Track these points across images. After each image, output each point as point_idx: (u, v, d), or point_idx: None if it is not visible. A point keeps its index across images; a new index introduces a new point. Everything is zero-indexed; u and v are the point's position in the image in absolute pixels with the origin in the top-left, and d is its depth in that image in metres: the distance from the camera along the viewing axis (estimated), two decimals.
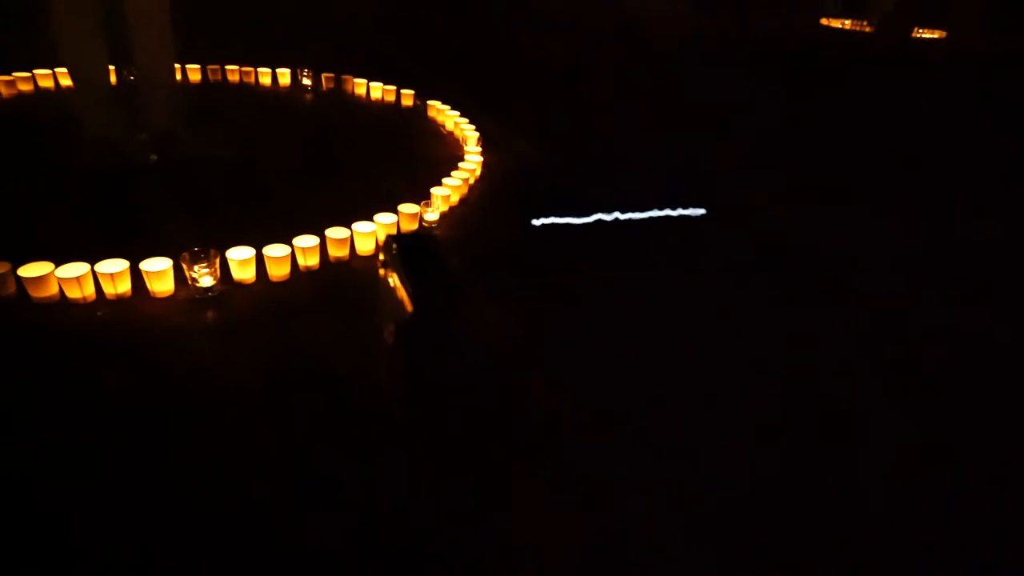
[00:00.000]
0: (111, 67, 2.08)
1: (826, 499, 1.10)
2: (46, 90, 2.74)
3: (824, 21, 8.98)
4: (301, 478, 1.02)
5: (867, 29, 8.45)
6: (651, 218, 1.79)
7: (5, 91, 2.61)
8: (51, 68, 2.75)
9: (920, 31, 8.27)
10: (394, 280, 1.15)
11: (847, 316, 1.70)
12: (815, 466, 1.17)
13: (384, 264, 1.20)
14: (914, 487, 1.15)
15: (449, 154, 2.46)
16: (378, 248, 1.71)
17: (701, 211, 2.05)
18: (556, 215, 1.53)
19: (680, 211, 1.81)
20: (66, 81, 2.71)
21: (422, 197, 1.89)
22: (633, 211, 1.76)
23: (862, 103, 4.40)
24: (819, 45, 7.12)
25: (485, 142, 2.46)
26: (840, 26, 8.73)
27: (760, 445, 1.20)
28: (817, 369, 1.46)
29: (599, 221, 1.65)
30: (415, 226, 1.82)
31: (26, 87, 2.69)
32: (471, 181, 2.12)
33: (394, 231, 1.75)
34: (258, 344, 1.34)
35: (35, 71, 2.72)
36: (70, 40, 1.91)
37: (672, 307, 1.62)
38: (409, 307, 1.10)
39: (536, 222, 1.52)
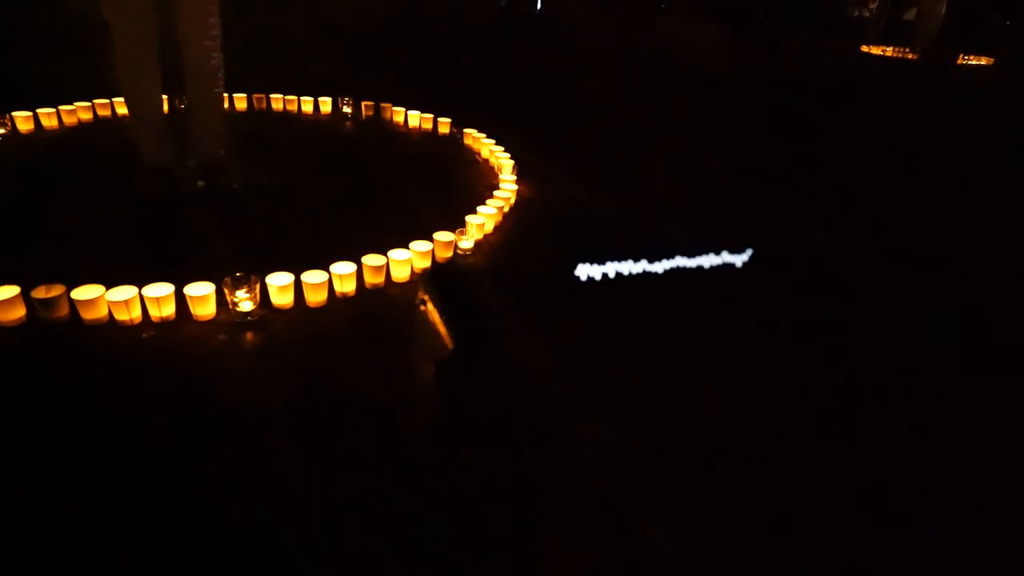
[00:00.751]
0: (164, 96, 2.18)
1: (872, 541, 1.05)
2: (104, 118, 2.88)
3: (865, 48, 8.88)
4: (328, 500, 1.03)
5: (909, 56, 8.32)
6: (695, 263, 1.73)
7: (67, 120, 2.75)
8: (109, 97, 2.89)
9: (967, 58, 8.09)
10: (433, 317, 1.16)
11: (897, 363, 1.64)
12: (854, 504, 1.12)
13: (422, 300, 1.21)
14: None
15: (484, 182, 2.49)
16: (413, 276, 1.74)
17: (743, 256, 1.96)
18: (598, 260, 1.50)
19: (722, 256, 1.75)
20: (123, 110, 2.85)
21: (457, 225, 1.91)
22: (672, 255, 1.71)
23: (908, 134, 4.30)
24: (860, 73, 7.01)
25: (520, 171, 2.47)
26: (881, 53, 8.62)
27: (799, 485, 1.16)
28: (860, 411, 1.41)
29: (645, 271, 1.61)
30: (449, 254, 1.84)
31: (86, 116, 2.83)
32: (506, 209, 2.14)
33: (429, 259, 1.76)
34: (294, 368, 1.37)
35: (95, 100, 2.87)
36: (128, 70, 2.01)
37: (709, 349, 1.59)
38: (449, 344, 1.11)
39: (582, 271, 1.49)
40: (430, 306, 1.18)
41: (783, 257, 2.12)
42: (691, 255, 1.61)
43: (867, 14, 11.98)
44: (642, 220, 2.41)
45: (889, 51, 8.64)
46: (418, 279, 1.24)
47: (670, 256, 1.59)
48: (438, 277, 1.21)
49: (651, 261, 1.56)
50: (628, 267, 1.51)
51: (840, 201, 2.84)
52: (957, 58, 7.89)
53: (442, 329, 1.13)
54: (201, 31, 2.05)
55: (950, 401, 1.48)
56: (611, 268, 1.47)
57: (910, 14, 11.32)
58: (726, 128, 4.02)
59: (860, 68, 7.43)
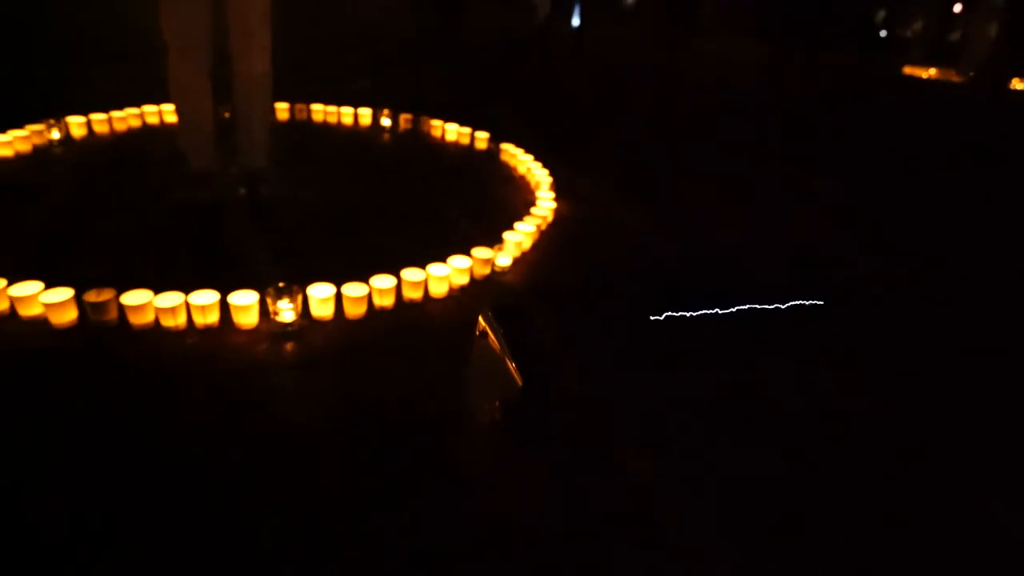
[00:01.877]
0: (213, 106, 2.23)
1: None
2: (152, 125, 2.96)
3: (908, 70, 8.69)
4: (363, 513, 1.03)
5: (955, 79, 8.11)
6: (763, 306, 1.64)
7: (117, 126, 2.84)
8: (158, 104, 2.98)
9: (1019, 82, 7.83)
10: (496, 355, 1.13)
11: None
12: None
13: (482, 336, 1.19)
14: None
15: (521, 198, 2.49)
16: (453, 292, 1.74)
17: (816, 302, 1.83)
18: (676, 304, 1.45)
19: (792, 301, 1.66)
20: (170, 117, 2.93)
21: (494, 240, 1.91)
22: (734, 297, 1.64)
23: (966, 164, 4.18)
24: (908, 95, 6.87)
25: (558, 188, 2.47)
26: (925, 75, 8.42)
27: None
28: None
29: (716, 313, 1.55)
30: (487, 271, 1.84)
31: (135, 122, 2.92)
32: (543, 227, 2.13)
33: (467, 276, 1.77)
34: (334, 380, 1.38)
35: (144, 107, 2.96)
36: (180, 82, 2.07)
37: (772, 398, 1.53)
38: (519, 382, 1.09)
39: (658, 316, 1.44)
40: (492, 342, 1.15)
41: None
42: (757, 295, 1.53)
43: (910, 34, 11.77)
44: (693, 247, 2.36)
45: (934, 72, 8.44)
46: (481, 315, 1.21)
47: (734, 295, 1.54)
48: (503, 315, 1.19)
49: (715, 300, 1.51)
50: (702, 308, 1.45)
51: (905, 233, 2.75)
52: (1010, 81, 7.64)
53: (507, 366, 1.11)
54: (251, 45, 2.10)
55: None
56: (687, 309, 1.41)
57: (956, 34, 11.08)
58: (770, 154, 3.97)
59: (908, 90, 7.27)
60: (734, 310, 1.57)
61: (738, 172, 3.40)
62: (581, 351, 1.55)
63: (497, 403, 1.18)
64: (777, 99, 5.59)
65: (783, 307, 1.65)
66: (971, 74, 7.98)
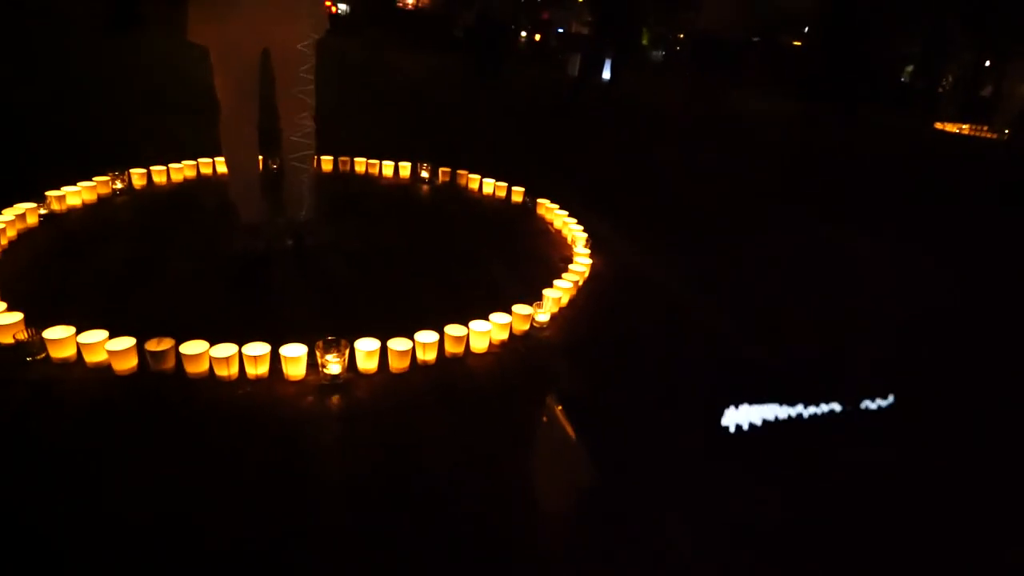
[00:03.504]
0: (260, 158, 2.35)
1: None
2: (205, 176, 3.12)
3: (939, 125, 8.70)
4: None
5: (988, 135, 8.09)
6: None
7: (175, 177, 3.00)
8: (211, 157, 3.14)
9: None
10: (566, 442, 1.15)
11: None
12: None
13: (550, 419, 1.21)
14: None
15: (558, 253, 2.55)
16: (493, 349, 1.78)
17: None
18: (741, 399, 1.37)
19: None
20: (222, 168, 3.09)
21: (531, 294, 1.96)
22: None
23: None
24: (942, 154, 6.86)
25: (593, 243, 2.52)
26: (957, 131, 8.42)
27: None
28: None
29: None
30: (527, 327, 1.87)
31: (191, 173, 3.08)
32: (580, 283, 2.17)
33: (507, 332, 1.81)
34: (379, 435, 1.42)
35: (199, 159, 3.13)
36: (231, 138, 2.19)
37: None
38: (591, 473, 1.10)
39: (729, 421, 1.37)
40: (562, 430, 1.17)
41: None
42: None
43: (941, 89, 11.79)
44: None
45: (966, 129, 8.43)
46: (549, 398, 1.23)
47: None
48: (571, 404, 1.20)
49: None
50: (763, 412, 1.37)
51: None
52: None
53: (578, 456, 1.12)
54: (297, 103, 2.22)
55: None
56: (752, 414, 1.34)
57: (987, 90, 11.06)
58: (810, 210, 3.99)
59: (945, 147, 7.25)
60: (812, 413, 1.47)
61: (778, 228, 3.42)
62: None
63: (569, 486, 1.18)
64: (814, 154, 5.63)
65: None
66: (1007, 131, 7.95)
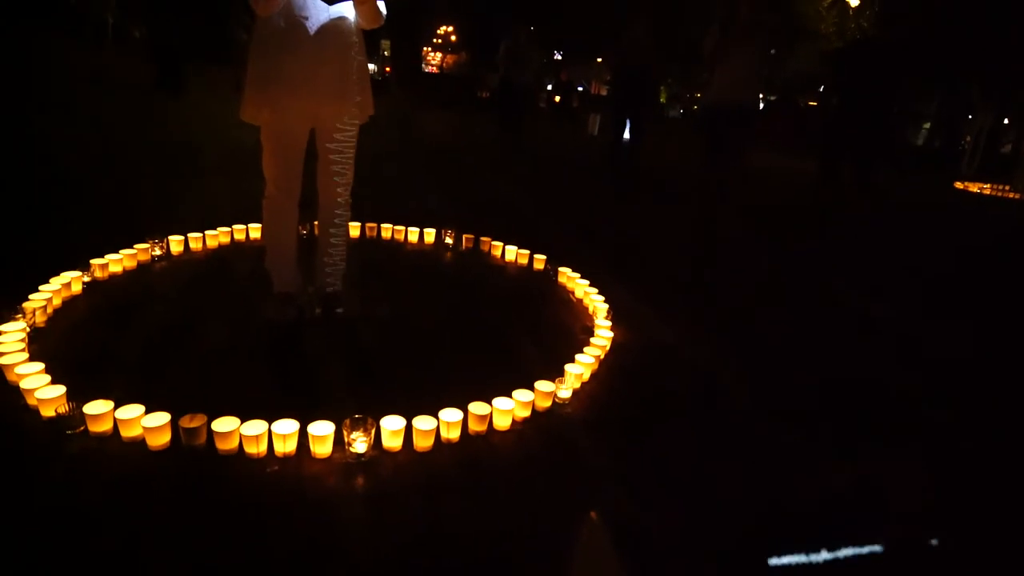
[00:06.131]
0: (299, 233, 2.45)
1: None
2: (239, 242, 3.25)
3: (959, 184, 8.69)
4: None
5: (1010, 195, 8.05)
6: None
7: (210, 243, 3.13)
8: (245, 223, 3.28)
9: None
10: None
11: None
12: None
13: (590, 544, 1.22)
14: None
15: (579, 324, 2.58)
16: (516, 426, 1.79)
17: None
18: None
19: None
20: (255, 234, 3.21)
21: (553, 367, 1.99)
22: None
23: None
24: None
25: (615, 314, 2.55)
26: (977, 190, 8.40)
27: None
28: None
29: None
30: (548, 403, 1.89)
31: (225, 239, 3.21)
32: (601, 357, 2.20)
33: (529, 409, 1.83)
34: (401, 514, 1.44)
35: (233, 226, 3.26)
36: (272, 212, 2.29)
37: None
38: None
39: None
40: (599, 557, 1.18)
41: None
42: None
43: (961, 148, 11.85)
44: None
45: (987, 189, 8.41)
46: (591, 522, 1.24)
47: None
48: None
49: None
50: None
51: None
52: None
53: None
54: (337, 180, 2.33)
55: None
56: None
57: (1007, 147, 11.06)
58: (835, 281, 4.00)
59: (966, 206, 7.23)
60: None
61: (804, 300, 3.43)
62: None
63: None
64: (833, 216, 5.66)
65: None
66: None
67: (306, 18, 2.02)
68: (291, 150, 2.20)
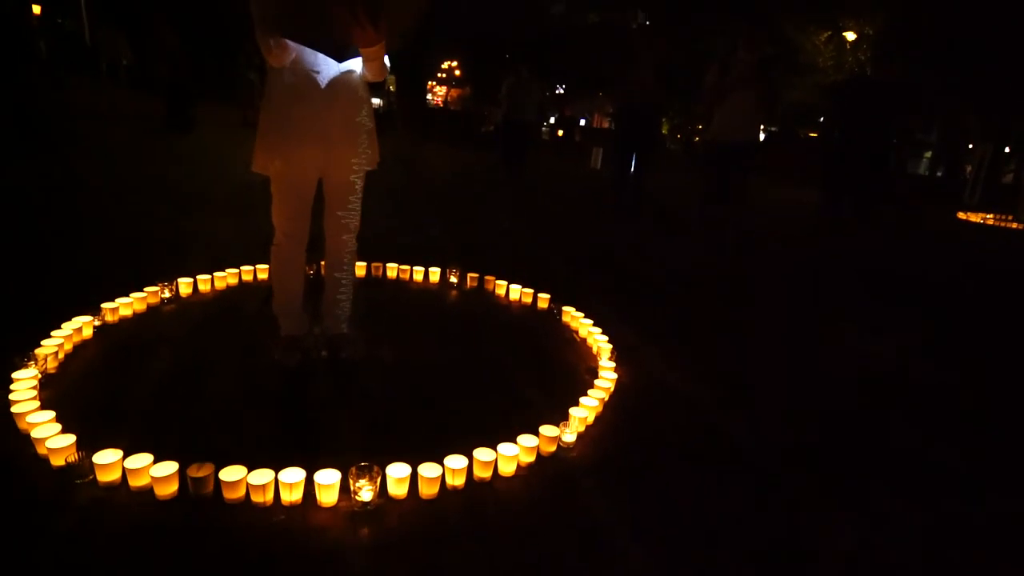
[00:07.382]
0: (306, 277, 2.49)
1: None
2: (247, 283, 3.29)
3: (962, 215, 8.73)
4: None
5: (1014, 225, 8.08)
6: None
7: (218, 284, 3.18)
8: (253, 265, 3.33)
9: None
10: None
11: None
12: None
13: None
14: None
15: (583, 364, 2.60)
16: (520, 472, 1.80)
17: None
18: None
19: None
20: (263, 275, 3.26)
21: (557, 408, 2.01)
22: None
23: None
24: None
25: (619, 354, 2.57)
26: (980, 220, 8.43)
27: None
28: None
29: None
30: (553, 448, 1.90)
31: (233, 280, 3.26)
32: (606, 399, 2.21)
33: (534, 455, 1.83)
34: (406, 564, 1.44)
35: (242, 267, 3.31)
36: (280, 259, 2.34)
37: None
38: None
39: None
40: None
41: None
42: None
43: (963, 178, 11.93)
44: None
45: (990, 219, 8.44)
46: None
47: None
48: None
49: None
50: None
51: None
52: None
53: None
54: (344, 226, 2.39)
55: None
56: None
57: (1008, 177, 11.12)
58: (841, 320, 4.01)
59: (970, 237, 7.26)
60: None
61: (809, 341, 3.44)
62: None
63: None
64: (835, 253, 5.69)
65: None
66: None
67: (317, 72, 2.10)
68: (300, 200, 2.25)
